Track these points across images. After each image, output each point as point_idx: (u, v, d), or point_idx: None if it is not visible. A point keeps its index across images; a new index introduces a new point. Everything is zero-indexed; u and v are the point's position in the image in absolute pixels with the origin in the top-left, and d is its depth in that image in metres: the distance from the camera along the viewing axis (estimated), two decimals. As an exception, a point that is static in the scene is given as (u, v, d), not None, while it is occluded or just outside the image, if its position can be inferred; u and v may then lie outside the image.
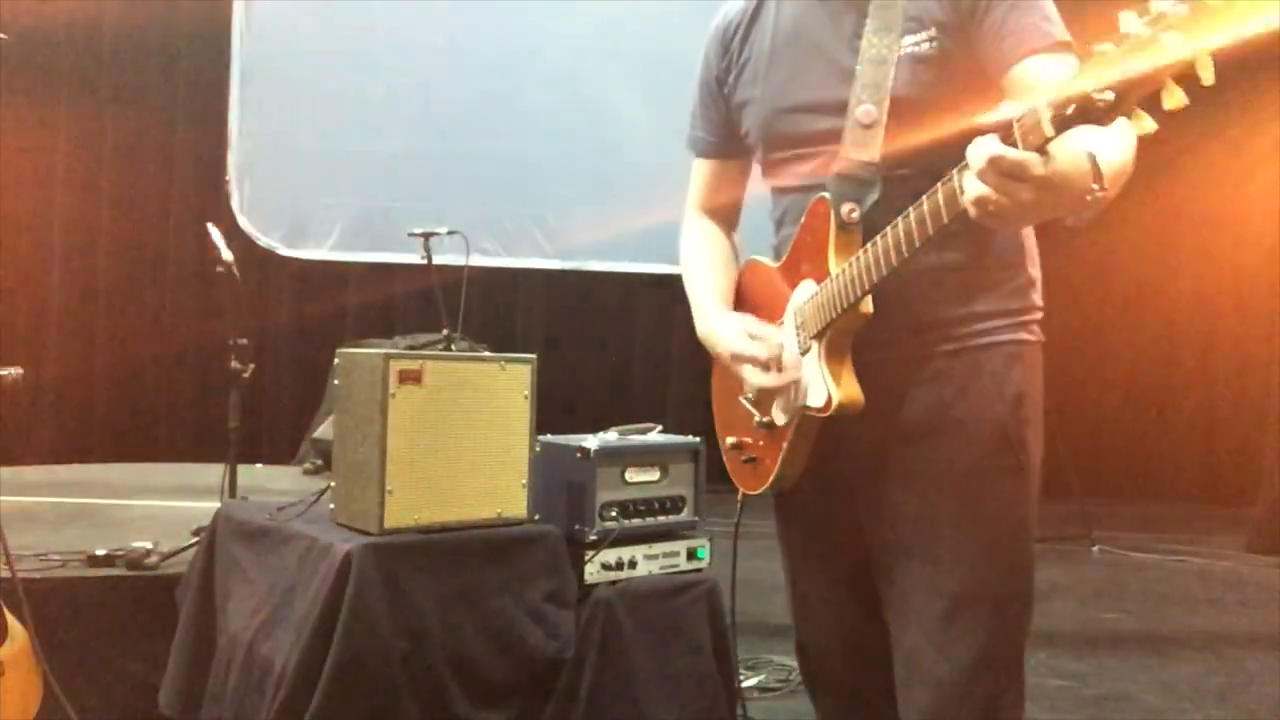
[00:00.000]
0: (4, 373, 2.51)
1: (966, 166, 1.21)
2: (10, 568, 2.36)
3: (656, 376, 7.05)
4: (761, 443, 1.63)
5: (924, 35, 1.48)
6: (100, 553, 2.85)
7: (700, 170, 1.82)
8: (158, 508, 3.82)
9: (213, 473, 3.29)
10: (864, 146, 1.49)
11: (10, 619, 2.32)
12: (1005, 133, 1.19)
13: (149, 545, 2.87)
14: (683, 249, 1.83)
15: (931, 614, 1.49)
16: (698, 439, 2.52)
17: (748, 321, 1.61)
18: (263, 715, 2.09)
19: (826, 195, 1.51)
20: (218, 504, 2.64)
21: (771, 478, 1.60)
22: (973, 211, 1.22)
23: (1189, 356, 7.46)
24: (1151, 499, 7.15)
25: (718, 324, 1.66)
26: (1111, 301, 7.46)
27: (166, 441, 6.57)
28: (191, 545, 2.81)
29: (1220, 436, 7.31)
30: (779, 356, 1.55)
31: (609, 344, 7.01)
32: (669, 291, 7.01)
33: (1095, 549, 5.54)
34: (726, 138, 1.75)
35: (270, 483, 4.11)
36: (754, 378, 1.57)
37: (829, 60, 1.55)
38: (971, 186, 1.21)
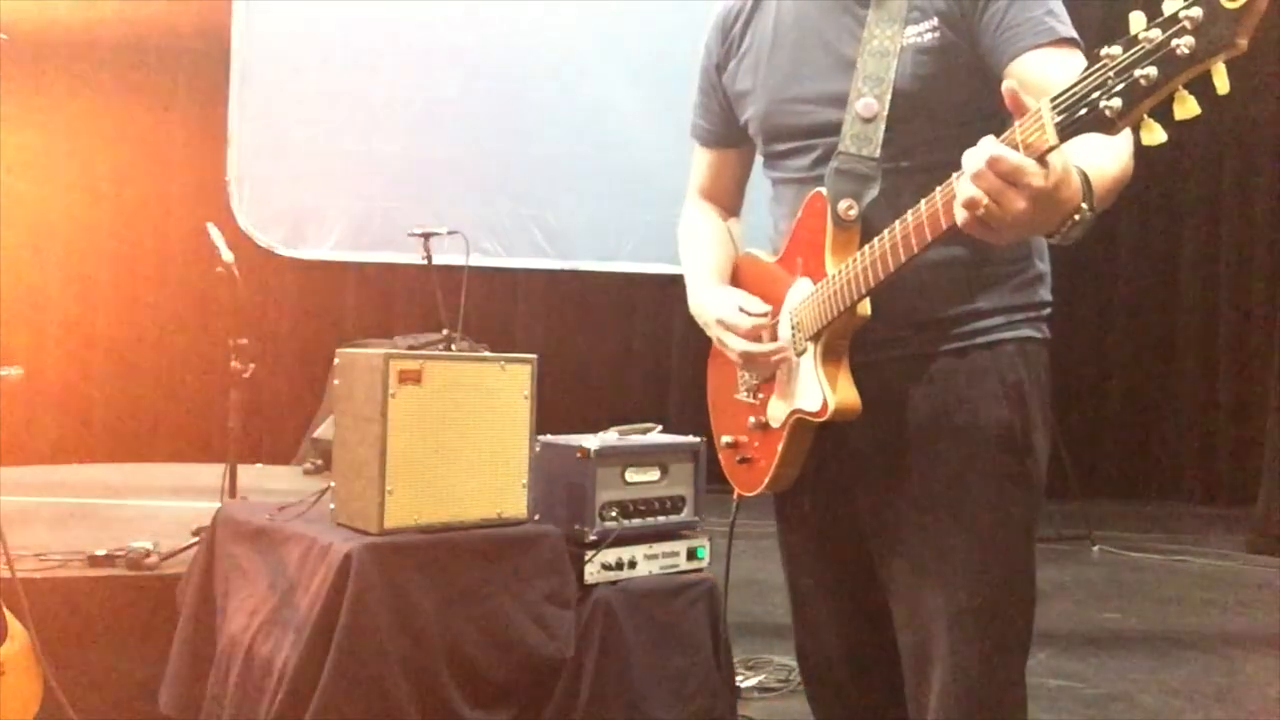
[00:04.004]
0: (4, 373, 2.51)
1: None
2: (10, 568, 2.36)
3: (656, 376, 7.05)
4: (756, 443, 1.61)
5: (927, 25, 1.44)
6: (100, 553, 2.85)
7: (701, 158, 1.80)
8: (158, 508, 3.82)
9: (213, 473, 3.29)
10: (864, 140, 1.45)
11: (10, 619, 2.31)
12: (1006, 136, 1.14)
13: (149, 545, 2.86)
14: (681, 229, 1.81)
15: (938, 621, 1.46)
16: (698, 439, 2.51)
17: (740, 295, 1.59)
18: (262, 715, 2.09)
19: (823, 190, 1.48)
20: (218, 504, 2.64)
21: (767, 479, 1.58)
22: (960, 215, 1.16)
23: (1189, 356, 7.46)
24: (1151, 499, 7.15)
25: (708, 294, 1.64)
26: (1112, 301, 7.46)
27: (166, 441, 6.57)
28: (191, 545, 2.81)
29: (1220, 436, 7.31)
30: (764, 329, 1.52)
31: (609, 344, 7.01)
32: (669, 291, 7.04)
33: (1095, 549, 5.54)
34: (726, 127, 1.72)
35: (270, 483, 4.11)
36: (735, 344, 1.54)
37: (830, 51, 1.52)
38: (964, 187, 1.15)
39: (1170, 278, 7.46)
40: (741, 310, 1.55)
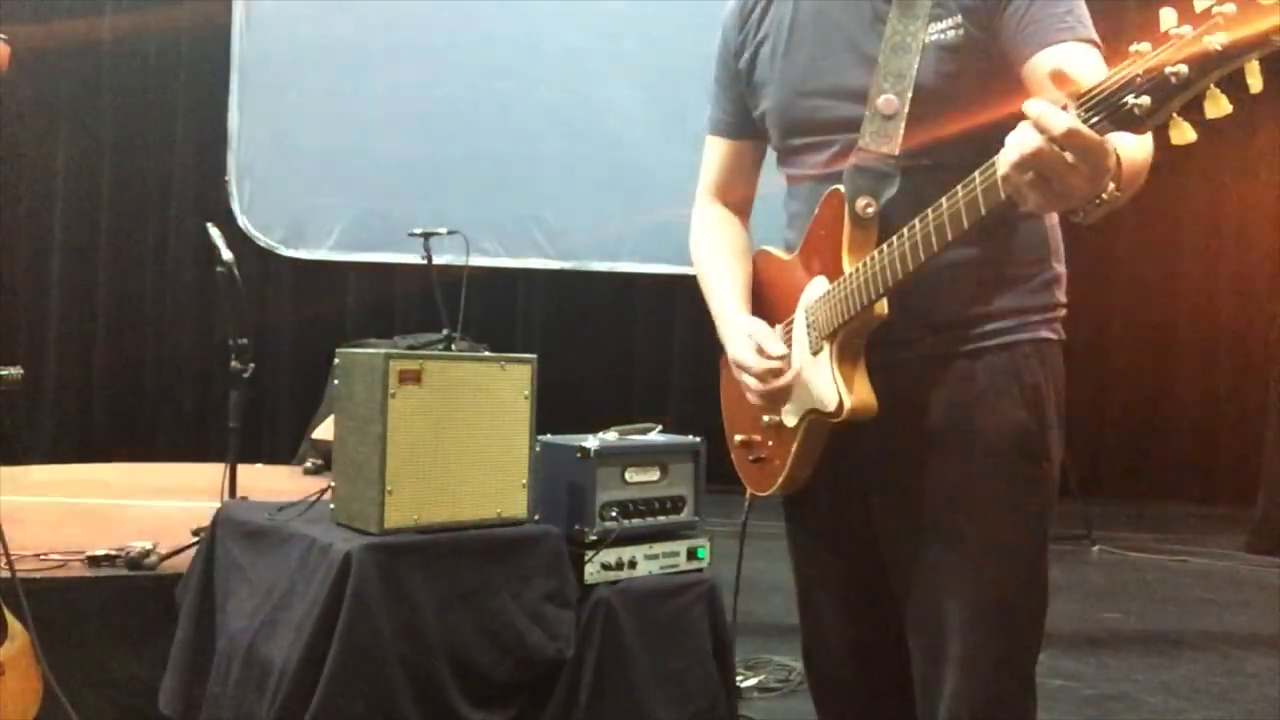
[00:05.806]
0: (4, 373, 2.50)
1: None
2: (10, 568, 2.36)
3: (656, 376, 7.05)
4: (770, 442, 1.59)
5: (950, 22, 1.43)
6: (100, 553, 2.84)
7: (714, 149, 1.77)
8: (158, 508, 3.82)
9: (213, 473, 3.28)
10: (884, 138, 1.44)
11: (10, 619, 2.31)
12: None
13: (149, 545, 2.86)
14: (694, 234, 1.77)
15: (952, 623, 1.46)
16: (698, 439, 2.52)
17: (760, 331, 1.57)
18: (263, 715, 2.09)
19: (840, 188, 1.46)
20: (218, 504, 2.63)
21: (780, 479, 1.56)
22: (1017, 173, 1.11)
23: (1189, 356, 7.46)
24: (1151, 499, 7.15)
25: (730, 326, 1.62)
26: (1112, 301, 7.46)
27: (166, 441, 6.57)
28: (191, 545, 2.81)
29: (1220, 436, 7.31)
30: (776, 371, 1.50)
31: (609, 344, 7.01)
32: (669, 291, 7.05)
33: (1095, 549, 5.54)
34: (741, 117, 1.70)
35: (270, 483, 4.11)
36: (753, 385, 1.54)
37: (851, 45, 1.50)
38: (1030, 139, 1.09)
39: (1170, 277, 7.46)
40: (760, 353, 1.53)
